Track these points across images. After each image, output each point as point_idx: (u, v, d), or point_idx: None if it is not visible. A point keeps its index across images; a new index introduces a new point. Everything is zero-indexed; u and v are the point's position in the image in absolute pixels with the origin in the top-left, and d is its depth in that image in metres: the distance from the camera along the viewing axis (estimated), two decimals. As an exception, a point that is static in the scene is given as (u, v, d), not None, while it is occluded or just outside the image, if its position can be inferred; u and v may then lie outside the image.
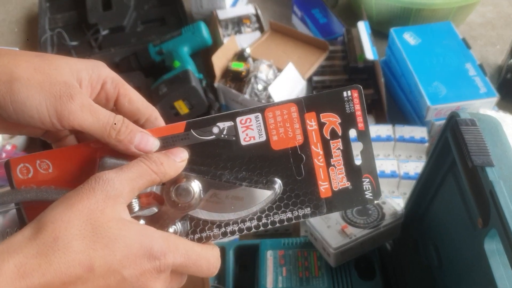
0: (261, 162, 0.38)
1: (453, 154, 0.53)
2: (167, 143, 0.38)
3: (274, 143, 0.38)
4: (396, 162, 0.82)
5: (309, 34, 1.06)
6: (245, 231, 0.38)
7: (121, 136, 0.36)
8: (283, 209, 0.38)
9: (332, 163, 0.38)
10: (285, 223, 0.38)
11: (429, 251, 0.63)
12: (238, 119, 0.38)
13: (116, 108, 0.39)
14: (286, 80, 0.90)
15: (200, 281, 0.62)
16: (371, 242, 0.65)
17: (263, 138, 0.38)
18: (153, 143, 0.37)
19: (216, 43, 1.05)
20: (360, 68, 0.95)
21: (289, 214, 0.38)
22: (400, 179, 0.81)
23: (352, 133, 0.39)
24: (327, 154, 0.38)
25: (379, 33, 1.09)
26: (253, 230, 0.38)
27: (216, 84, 0.95)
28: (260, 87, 0.91)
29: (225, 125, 0.38)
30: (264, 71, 0.92)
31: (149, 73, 1.01)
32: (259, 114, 0.38)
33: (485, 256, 0.48)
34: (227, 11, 1.12)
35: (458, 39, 0.94)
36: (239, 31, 1.09)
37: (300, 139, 0.38)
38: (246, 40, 1.05)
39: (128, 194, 0.33)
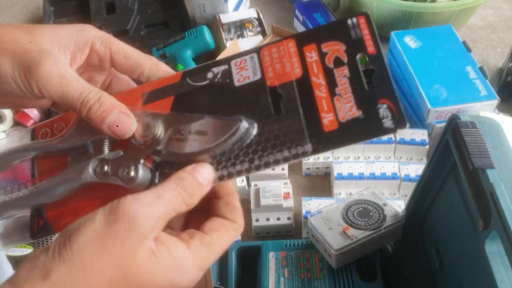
0: (250, 101, 0.35)
1: (454, 156, 0.54)
2: (160, 94, 0.36)
3: (270, 80, 0.35)
4: (397, 164, 0.83)
5: (311, 38, 1.06)
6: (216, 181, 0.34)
7: (91, 114, 0.34)
8: (260, 153, 0.34)
9: (338, 92, 0.33)
10: (267, 166, 0.34)
11: (430, 253, 0.63)
12: (232, 62, 0.36)
13: (114, 67, 0.38)
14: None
15: (203, 282, 0.62)
16: (372, 243, 0.65)
17: (258, 77, 0.35)
18: (129, 126, 0.34)
19: (219, 47, 1.06)
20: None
21: (271, 157, 0.33)
22: (401, 181, 0.81)
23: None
24: (331, 83, 0.33)
25: (380, 36, 1.09)
26: (225, 179, 0.34)
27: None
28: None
29: (219, 69, 0.36)
30: (266, 74, 0.93)
31: (152, 76, 1.01)
32: (255, 54, 0.36)
33: (486, 258, 0.48)
34: (229, 15, 1.12)
35: (459, 42, 0.94)
36: (241, 35, 1.09)
37: (298, 72, 0.34)
38: (248, 43, 1.05)
39: (159, 229, 0.32)
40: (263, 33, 1.10)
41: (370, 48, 0.34)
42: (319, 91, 0.34)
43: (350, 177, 0.82)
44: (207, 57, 1.04)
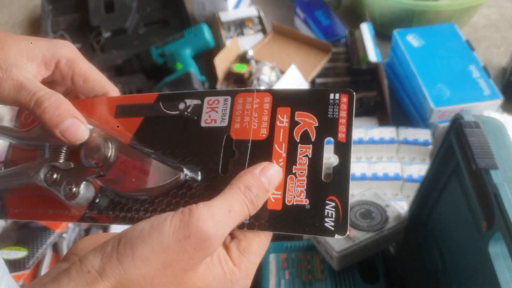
0: (208, 148, 0.34)
1: (457, 157, 0.53)
2: (132, 111, 0.37)
3: (233, 131, 0.34)
4: (400, 164, 0.82)
5: (312, 36, 1.06)
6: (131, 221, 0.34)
7: (45, 116, 0.34)
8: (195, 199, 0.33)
9: (294, 171, 0.32)
10: None
11: (433, 255, 0.63)
12: (206, 99, 0.36)
13: (74, 87, 0.39)
14: (288, 82, 0.90)
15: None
16: (375, 245, 0.64)
17: (225, 124, 0.34)
18: (82, 133, 0.34)
19: (219, 45, 1.05)
20: (363, 70, 0.95)
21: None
22: (404, 182, 0.80)
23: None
24: (291, 159, 0.32)
25: (382, 35, 1.09)
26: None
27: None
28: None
29: (192, 102, 0.36)
30: (266, 73, 0.92)
31: (151, 76, 1.01)
32: (229, 98, 0.35)
33: (489, 260, 0.48)
34: (229, 13, 1.12)
35: (462, 41, 0.93)
36: (241, 33, 1.09)
37: (264, 133, 0.33)
38: (249, 42, 1.05)
39: (221, 243, 0.31)
40: (263, 31, 1.09)
41: (341, 135, 0.33)
42: (276, 162, 0.32)
43: (352, 177, 0.81)
44: (206, 55, 1.04)
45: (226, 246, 0.32)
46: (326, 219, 0.30)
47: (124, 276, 0.28)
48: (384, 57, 1.03)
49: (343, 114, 0.33)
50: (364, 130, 0.86)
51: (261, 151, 0.33)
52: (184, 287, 0.30)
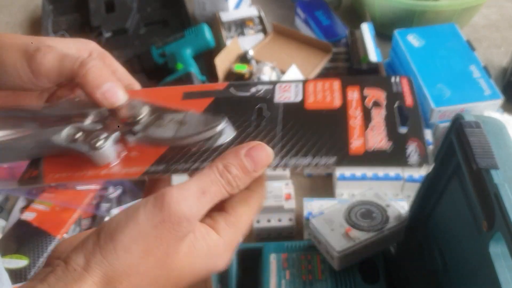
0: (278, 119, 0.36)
1: (458, 157, 0.53)
2: (201, 94, 0.39)
3: (308, 104, 0.37)
4: (400, 164, 0.82)
5: (313, 36, 1.06)
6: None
7: (89, 76, 0.35)
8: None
9: (371, 126, 0.35)
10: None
11: (433, 255, 0.63)
12: (277, 85, 0.38)
13: None
14: (289, 82, 0.90)
15: (203, 284, 0.62)
16: (375, 245, 0.64)
17: (299, 99, 0.37)
18: (120, 96, 0.36)
19: (219, 45, 1.05)
20: (363, 70, 0.95)
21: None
22: (404, 182, 0.81)
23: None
24: (366, 118, 0.35)
25: (383, 35, 1.09)
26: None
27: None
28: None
29: (263, 87, 0.38)
30: (267, 73, 0.92)
31: (152, 76, 1.01)
32: (300, 83, 0.38)
33: (490, 260, 0.48)
34: (230, 13, 1.12)
35: (462, 41, 0.93)
36: (242, 33, 1.09)
37: (337, 104, 0.36)
38: (249, 42, 1.05)
39: (198, 222, 0.32)
40: (264, 31, 1.09)
41: (408, 101, 0.36)
42: (352, 121, 0.35)
43: (353, 177, 0.81)
44: (207, 55, 1.04)
45: (213, 218, 0.33)
46: (409, 157, 0.33)
47: (109, 268, 0.29)
48: (384, 57, 1.03)
49: (406, 88, 0.37)
50: (364, 130, 0.86)
51: (336, 117, 0.36)
52: (170, 269, 0.31)
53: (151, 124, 0.36)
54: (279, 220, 0.78)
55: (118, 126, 0.36)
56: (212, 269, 0.33)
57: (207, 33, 1.00)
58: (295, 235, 0.80)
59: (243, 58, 0.97)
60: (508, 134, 0.52)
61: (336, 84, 0.37)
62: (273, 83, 0.38)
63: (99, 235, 0.30)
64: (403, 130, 0.34)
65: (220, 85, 0.39)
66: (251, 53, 0.98)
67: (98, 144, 0.34)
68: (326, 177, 0.88)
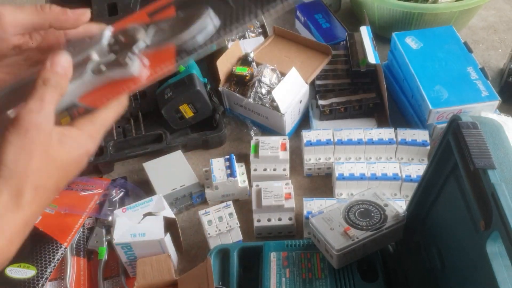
0: None
1: (455, 157, 0.54)
2: (164, 7, 0.46)
3: None
4: (398, 165, 0.83)
5: (312, 39, 1.07)
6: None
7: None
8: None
9: None
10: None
11: (431, 254, 0.63)
12: None
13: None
14: (289, 84, 0.91)
15: (205, 282, 0.63)
16: (374, 244, 0.65)
17: None
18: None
19: (221, 48, 1.06)
20: (362, 72, 0.96)
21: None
22: (402, 182, 0.81)
23: None
24: None
25: (381, 37, 1.10)
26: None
27: (220, 88, 0.96)
28: (263, 91, 0.92)
29: None
30: (267, 76, 0.93)
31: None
32: None
33: (487, 259, 0.48)
34: (230, 16, 1.12)
35: (460, 43, 0.94)
36: (243, 36, 1.10)
37: None
38: (250, 45, 1.06)
39: (52, 121, 0.41)
40: (264, 34, 1.10)
41: None
42: None
43: (352, 177, 0.82)
44: (208, 58, 1.04)
45: (74, 120, 0.43)
46: None
47: (9, 180, 0.38)
48: (383, 59, 1.04)
49: None
50: (363, 131, 0.87)
51: None
52: (55, 161, 0.40)
53: (155, 34, 0.44)
54: (279, 219, 0.79)
55: (129, 47, 0.43)
56: (85, 154, 0.43)
57: (208, 36, 1.01)
58: (295, 234, 0.81)
59: (244, 61, 0.98)
60: (505, 135, 0.52)
61: None
62: None
63: None
64: None
65: None
66: (252, 55, 0.99)
67: (127, 60, 0.42)
68: (325, 177, 0.89)
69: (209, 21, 0.44)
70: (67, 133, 0.42)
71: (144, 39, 0.44)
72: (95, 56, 0.44)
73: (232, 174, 0.83)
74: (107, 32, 0.45)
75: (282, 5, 0.43)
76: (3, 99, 0.44)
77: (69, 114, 0.44)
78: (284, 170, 0.86)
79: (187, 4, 0.46)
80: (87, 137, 0.43)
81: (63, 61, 0.43)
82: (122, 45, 0.44)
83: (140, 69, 0.43)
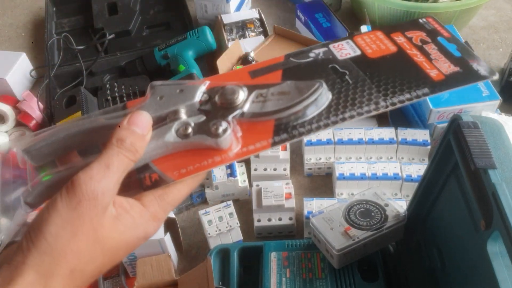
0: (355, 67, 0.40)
1: (456, 157, 0.54)
2: (267, 70, 0.41)
3: (369, 54, 0.42)
4: (399, 164, 0.83)
5: (313, 38, 1.07)
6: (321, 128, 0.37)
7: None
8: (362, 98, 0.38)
9: (433, 58, 0.41)
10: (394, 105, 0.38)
11: (432, 253, 0.63)
12: (331, 46, 0.43)
13: None
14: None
15: (205, 282, 0.63)
16: (374, 244, 0.65)
17: (358, 53, 0.42)
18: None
19: (221, 47, 1.06)
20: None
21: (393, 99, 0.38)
22: (403, 182, 0.81)
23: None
24: (425, 54, 0.41)
25: (382, 37, 1.10)
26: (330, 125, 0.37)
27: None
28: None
29: (320, 51, 0.42)
30: (268, 75, 0.93)
31: (154, 77, 1.02)
32: (349, 40, 0.43)
33: (488, 259, 0.48)
34: (231, 16, 1.13)
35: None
36: (243, 35, 1.10)
37: (393, 49, 0.42)
38: (250, 44, 1.06)
39: (114, 193, 0.34)
40: (264, 33, 1.10)
41: (446, 34, 0.43)
42: (417, 58, 0.41)
43: (352, 177, 0.82)
44: (208, 57, 1.05)
45: (142, 194, 0.36)
46: (479, 71, 0.40)
47: (44, 256, 0.32)
48: (384, 58, 1.03)
49: (437, 25, 0.44)
50: (363, 130, 0.87)
51: (400, 59, 0.41)
52: (102, 243, 0.34)
53: (256, 102, 0.38)
54: (280, 219, 0.79)
55: (223, 113, 0.38)
56: (142, 237, 0.36)
57: (209, 35, 1.01)
58: (295, 234, 0.81)
59: (244, 60, 0.98)
60: (505, 135, 0.52)
61: (380, 34, 0.43)
62: (325, 45, 0.42)
63: (29, 232, 0.33)
64: (458, 56, 0.41)
65: (278, 58, 0.42)
66: (252, 54, 0.99)
67: (220, 130, 0.36)
68: (326, 177, 0.89)
69: (321, 97, 0.38)
70: (128, 210, 0.35)
71: (242, 106, 0.38)
72: (183, 115, 0.38)
73: (232, 173, 0.83)
74: (202, 87, 0.40)
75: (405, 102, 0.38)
76: (79, 137, 0.38)
77: (139, 179, 0.37)
78: (285, 169, 0.86)
79: (296, 72, 0.40)
80: (150, 217, 0.36)
81: (143, 120, 0.36)
82: (216, 107, 0.38)
83: (231, 143, 0.37)
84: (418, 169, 0.82)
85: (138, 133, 0.35)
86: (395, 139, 0.86)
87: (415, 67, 0.40)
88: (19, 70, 1.05)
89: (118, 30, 1.13)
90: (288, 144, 0.87)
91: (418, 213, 0.67)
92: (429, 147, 0.85)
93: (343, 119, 0.37)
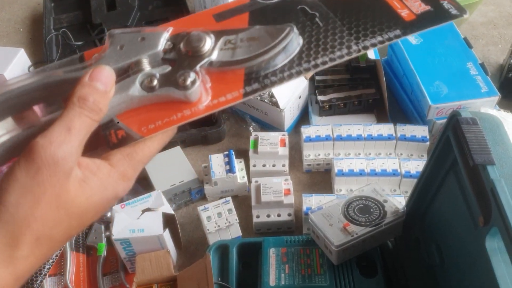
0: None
1: (454, 153, 0.54)
2: (232, 12, 0.38)
3: None
4: (398, 161, 0.83)
5: None
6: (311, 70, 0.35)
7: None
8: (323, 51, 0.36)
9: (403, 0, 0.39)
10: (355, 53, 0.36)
11: (430, 249, 0.63)
12: None
13: None
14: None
15: (204, 278, 0.63)
16: (373, 240, 0.65)
17: None
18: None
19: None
20: (362, 68, 0.96)
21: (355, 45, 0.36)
22: (402, 178, 0.81)
23: None
24: None
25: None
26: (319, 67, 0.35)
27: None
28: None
29: None
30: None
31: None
32: None
33: (486, 254, 0.48)
34: (230, 11, 1.12)
35: (460, 39, 0.94)
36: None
37: None
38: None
39: (77, 156, 0.33)
40: (263, 29, 1.10)
41: None
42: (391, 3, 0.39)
43: (351, 173, 0.82)
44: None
45: (110, 152, 0.34)
46: (449, 10, 0.38)
47: (7, 225, 0.31)
48: (382, 55, 1.03)
49: None
50: (362, 127, 0.86)
51: None
52: (67, 208, 0.32)
53: (224, 49, 0.36)
54: (279, 215, 0.79)
55: (190, 62, 0.35)
56: (112, 198, 0.34)
57: (207, 31, 1.01)
58: (294, 230, 0.81)
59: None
60: (504, 131, 0.52)
61: None
62: None
63: None
64: None
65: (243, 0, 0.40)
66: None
67: (188, 82, 0.34)
68: (324, 173, 0.89)
69: (292, 42, 0.36)
70: (95, 172, 0.33)
71: (210, 54, 0.35)
72: (146, 65, 0.35)
73: (231, 170, 0.82)
74: (165, 34, 0.37)
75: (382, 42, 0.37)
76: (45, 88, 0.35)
77: (104, 135, 0.34)
78: (283, 166, 0.86)
79: (263, 15, 0.38)
80: (119, 177, 0.34)
81: (106, 75, 0.34)
82: (181, 56, 0.36)
83: (200, 95, 0.35)
84: (417, 165, 0.82)
85: (101, 90, 0.33)
86: (394, 135, 0.86)
87: (386, 6, 0.38)
88: (17, 65, 1.05)
89: (117, 25, 1.12)
90: (287, 141, 0.87)
91: (416, 209, 0.67)
92: (428, 143, 0.85)
93: (316, 66, 0.35)
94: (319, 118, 0.94)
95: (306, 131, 0.88)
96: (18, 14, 1.30)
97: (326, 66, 0.36)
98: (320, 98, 0.93)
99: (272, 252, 0.69)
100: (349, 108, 0.93)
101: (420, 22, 0.38)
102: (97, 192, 0.33)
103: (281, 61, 0.35)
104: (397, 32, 0.37)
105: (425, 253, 0.65)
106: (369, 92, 0.93)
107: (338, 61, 0.36)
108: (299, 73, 0.35)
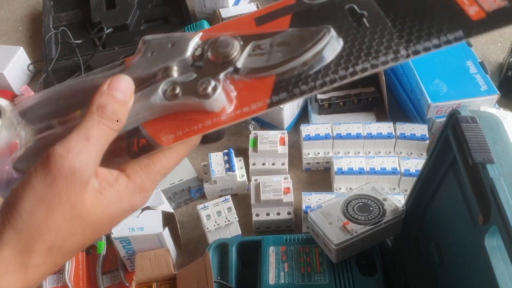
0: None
1: (454, 151, 0.54)
2: (274, 15, 0.35)
3: None
4: (397, 159, 0.83)
5: None
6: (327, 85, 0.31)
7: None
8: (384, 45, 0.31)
9: None
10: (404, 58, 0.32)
11: (430, 248, 0.63)
12: None
13: None
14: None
15: (203, 276, 0.63)
16: (372, 238, 0.65)
17: None
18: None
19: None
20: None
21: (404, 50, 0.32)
22: (401, 176, 0.81)
23: None
24: None
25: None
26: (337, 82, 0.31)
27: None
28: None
29: None
30: (266, 69, 0.93)
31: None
32: None
33: (485, 253, 0.48)
34: (229, 10, 1.12)
35: (460, 37, 0.94)
36: (241, 30, 1.09)
37: None
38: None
39: (95, 166, 0.32)
40: (263, 28, 1.10)
41: None
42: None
43: (350, 172, 0.82)
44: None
45: (127, 164, 0.34)
46: None
47: (20, 233, 0.31)
48: (382, 53, 1.03)
49: None
50: (362, 125, 0.86)
51: None
52: (81, 219, 0.32)
53: (252, 55, 0.33)
54: (278, 214, 0.79)
55: (215, 69, 0.33)
56: (128, 210, 0.34)
57: (207, 29, 1.01)
58: (293, 229, 0.81)
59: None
60: (504, 129, 0.52)
61: None
62: None
63: (5, 209, 0.31)
64: None
65: (289, 0, 0.36)
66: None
67: (209, 90, 0.32)
68: (324, 172, 0.89)
69: (328, 46, 0.32)
70: (112, 184, 0.33)
71: (237, 61, 0.33)
72: (174, 72, 0.34)
73: (230, 168, 0.83)
74: (195, 39, 0.35)
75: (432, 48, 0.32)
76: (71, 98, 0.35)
77: (127, 143, 0.33)
78: (283, 164, 0.86)
79: (307, 16, 0.34)
80: (136, 189, 0.33)
81: (124, 85, 0.33)
82: (207, 63, 0.34)
83: (223, 105, 0.33)
84: (416, 163, 0.82)
85: (120, 99, 0.32)
86: (393, 133, 0.86)
87: (449, 4, 0.32)
88: (16, 64, 1.05)
89: (116, 24, 1.12)
90: (286, 139, 0.87)
91: (416, 208, 0.67)
92: (427, 141, 0.85)
93: (353, 73, 0.31)
94: (319, 116, 0.94)
95: (306, 129, 0.88)
96: (18, 12, 1.30)
97: (366, 73, 0.31)
98: (319, 96, 0.93)
99: (271, 251, 0.69)
100: (348, 107, 0.93)
101: (489, 22, 0.32)
102: (113, 204, 0.33)
103: (315, 67, 0.32)
104: (459, 33, 0.31)
105: (425, 251, 0.65)
106: (369, 90, 0.93)
107: (380, 68, 0.32)
108: (333, 82, 0.32)
